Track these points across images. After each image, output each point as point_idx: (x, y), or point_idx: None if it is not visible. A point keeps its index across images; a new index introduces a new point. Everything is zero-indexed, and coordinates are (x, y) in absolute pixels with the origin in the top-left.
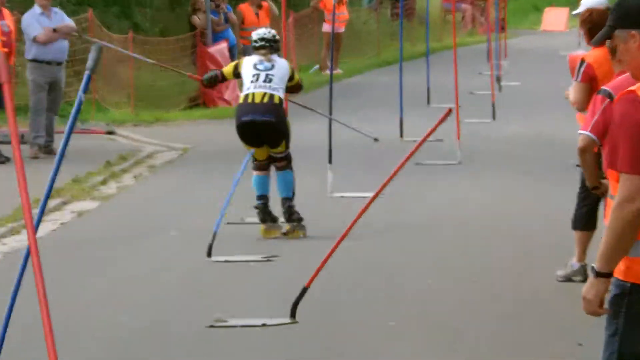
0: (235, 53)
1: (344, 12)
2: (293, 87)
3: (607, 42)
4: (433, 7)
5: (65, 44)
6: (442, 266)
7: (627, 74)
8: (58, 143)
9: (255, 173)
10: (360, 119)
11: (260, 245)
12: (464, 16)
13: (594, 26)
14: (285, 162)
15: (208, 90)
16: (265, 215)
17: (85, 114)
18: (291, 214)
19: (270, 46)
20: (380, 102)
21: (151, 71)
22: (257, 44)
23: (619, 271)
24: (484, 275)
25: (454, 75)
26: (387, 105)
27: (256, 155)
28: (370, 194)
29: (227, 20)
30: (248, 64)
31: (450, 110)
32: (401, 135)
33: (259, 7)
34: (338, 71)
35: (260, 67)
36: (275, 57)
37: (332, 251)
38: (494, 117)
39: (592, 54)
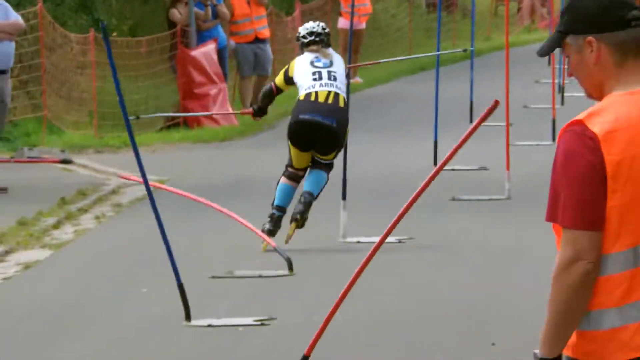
0: (226, 56)
1: (365, 4)
2: None
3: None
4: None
5: (9, 46)
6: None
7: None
8: (2, 176)
9: (283, 180)
10: (384, 143)
11: (254, 301)
12: (520, 7)
13: None
14: (325, 167)
15: (191, 106)
16: (275, 228)
17: (34, 138)
18: (303, 212)
19: (322, 40)
20: (410, 120)
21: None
22: (306, 39)
23: (567, 346)
24: None
25: (505, 84)
26: (418, 124)
27: (295, 162)
28: (394, 239)
29: (215, 14)
30: (302, 63)
31: (497, 102)
32: (435, 163)
33: None
34: (357, 80)
35: (318, 63)
36: (331, 51)
37: (334, 310)
38: (554, 139)
39: None
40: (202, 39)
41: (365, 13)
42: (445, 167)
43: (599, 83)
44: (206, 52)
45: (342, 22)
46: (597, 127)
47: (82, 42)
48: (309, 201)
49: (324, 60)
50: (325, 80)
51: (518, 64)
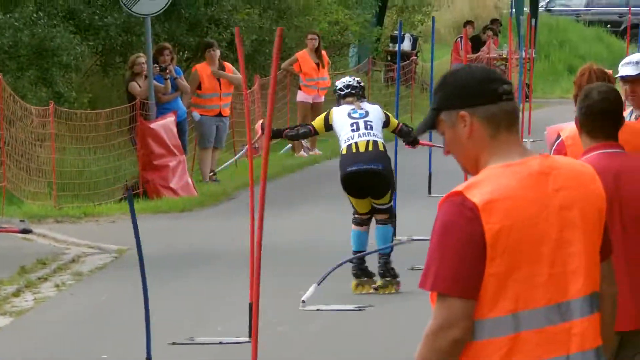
0: (186, 128)
1: (324, 77)
2: (401, 133)
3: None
4: (439, 70)
5: None
6: None
7: (598, 152)
8: None
9: (354, 227)
10: (340, 212)
11: None
12: None
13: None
14: (387, 216)
15: (151, 177)
16: (360, 272)
17: None
18: (387, 270)
19: (357, 92)
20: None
21: (78, 153)
22: (343, 92)
23: None
24: None
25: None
26: None
27: (358, 209)
28: (352, 307)
29: (175, 87)
30: (340, 114)
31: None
32: (394, 234)
33: (222, 69)
34: (315, 152)
35: (355, 115)
36: (365, 103)
37: None
38: None
39: (571, 129)
40: (161, 111)
41: (324, 87)
42: (405, 237)
43: (474, 157)
44: (165, 125)
45: (301, 96)
46: (476, 197)
47: (41, 115)
48: (385, 261)
49: (360, 112)
50: (362, 130)
51: None
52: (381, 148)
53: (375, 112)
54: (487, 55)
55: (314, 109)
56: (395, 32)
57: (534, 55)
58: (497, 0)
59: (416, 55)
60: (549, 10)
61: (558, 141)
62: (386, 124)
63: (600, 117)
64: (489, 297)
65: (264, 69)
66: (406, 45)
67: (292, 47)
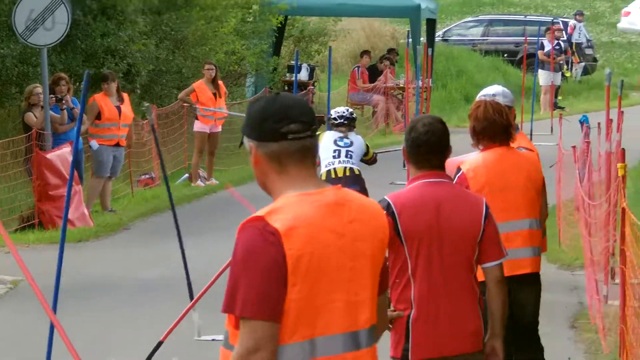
0: (82, 158)
1: (221, 108)
2: (368, 161)
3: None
4: (336, 100)
5: None
6: None
7: (422, 181)
8: None
9: None
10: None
11: None
12: (374, 111)
13: (479, 123)
14: None
15: (46, 208)
16: None
17: None
18: None
19: (349, 123)
20: None
21: None
22: (336, 121)
23: None
24: None
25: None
26: None
27: None
28: None
29: (72, 117)
30: (328, 139)
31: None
32: None
33: (120, 100)
34: (212, 182)
35: (340, 143)
36: (352, 134)
37: None
38: None
39: (471, 161)
40: (57, 141)
41: (222, 117)
42: None
43: (263, 183)
44: (61, 155)
45: (198, 125)
46: (278, 223)
47: None
48: None
49: (346, 141)
50: (343, 157)
51: (373, 166)
52: (356, 172)
53: (358, 144)
54: (384, 85)
55: (211, 139)
56: (293, 62)
57: (430, 85)
58: (394, 30)
59: (313, 85)
60: (445, 40)
61: (459, 174)
62: (365, 154)
63: (425, 149)
64: (290, 323)
65: (160, 99)
66: (303, 75)
67: (189, 77)
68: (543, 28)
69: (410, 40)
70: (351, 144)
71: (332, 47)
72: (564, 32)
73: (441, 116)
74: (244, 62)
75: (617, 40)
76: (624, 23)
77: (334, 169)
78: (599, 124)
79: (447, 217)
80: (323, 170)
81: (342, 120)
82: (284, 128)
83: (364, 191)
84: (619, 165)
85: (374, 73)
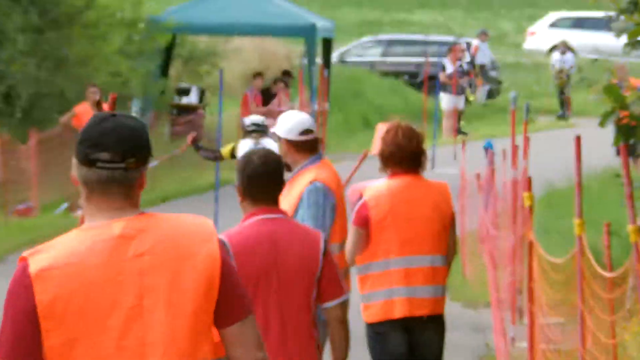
0: None
1: None
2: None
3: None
4: (227, 124)
5: None
6: None
7: (258, 218)
8: None
9: None
10: None
11: None
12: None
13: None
14: None
15: None
16: None
17: None
18: None
19: (262, 130)
20: None
21: None
22: (250, 128)
23: None
24: None
25: None
26: None
27: None
28: None
29: None
30: (244, 147)
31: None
32: None
33: None
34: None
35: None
36: (264, 139)
37: None
38: None
39: (374, 188)
40: None
41: None
42: None
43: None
44: None
45: None
46: (35, 264)
47: None
48: None
49: (259, 147)
50: None
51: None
52: None
53: (271, 147)
54: (279, 109)
55: None
56: (181, 83)
57: (327, 108)
58: (289, 50)
59: (203, 108)
60: (343, 61)
61: (360, 202)
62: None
63: (262, 182)
64: None
65: (42, 123)
66: (192, 97)
67: (71, 100)
68: (445, 49)
69: (305, 61)
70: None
71: (223, 68)
72: (467, 52)
73: (339, 141)
74: (129, 84)
75: (522, 62)
76: (529, 43)
77: None
78: (504, 150)
79: (283, 255)
80: None
81: (254, 128)
82: (92, 155)
83: None
84: (525, 194)
85: (267, 96)
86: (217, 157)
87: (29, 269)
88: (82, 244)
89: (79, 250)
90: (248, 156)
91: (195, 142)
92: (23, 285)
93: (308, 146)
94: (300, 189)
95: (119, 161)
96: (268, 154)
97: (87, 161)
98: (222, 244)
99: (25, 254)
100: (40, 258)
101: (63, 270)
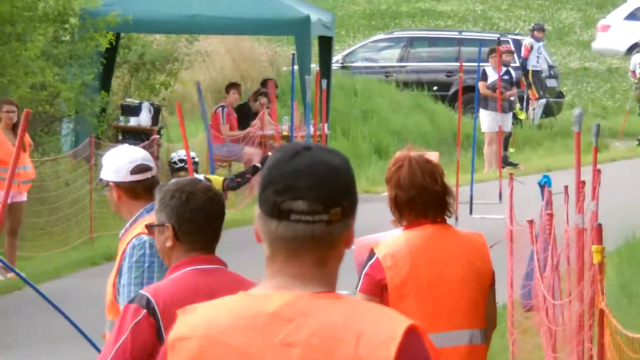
0: None
1: (26, 166)
2: (227, 188)
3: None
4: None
5: None
6: None
7: (193, 268)
8: None
9: None
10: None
11: None
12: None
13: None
14: None
15: None
16: None
17: None
18: None
19: (185, 168)
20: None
21: None
22: (176, 165)
23: None
24: None
25: None
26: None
27: None
28: None
29: None
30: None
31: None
32: None
33: None
34: (8, 276)
35: None
36: (199, 177)
37: None
38: None
39: (389, 243)
40: None
41: (27, 180)
42: None
43: None
44: None
45: None
46: (176, 330)
47: None
48: None
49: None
50: None
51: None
52: None
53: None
54: (261, 132)
55: (13, 211)
56: (129, 99)
57: (326, 132)
58: (273, 53)
59: (159, 132)
60: (346, 67)
61: (372, 260)
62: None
63: (205, 223)
64: None
65: None
66: (144, 118)
67: None
68: (485, 49)
69: (295, 67)
70: None
71: (186, 78)
72: (515, 55)
73: None
74: (58, 100)
75: (591, 67)
76: (601, 42)
77: None
78: (566, 187)
79: None
80: None
81: (182, 165)
82: (285, 204)
83: None
84: (594, 248)
85: (245, 115)
86: None
87: (171, 333)
88: (232, 314)
89: (225, 322)
90: (191, 190)
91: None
92: (162, 352)
93: (144, 188)
94: (124, 247)
95: (320, 212)
96: (213, 188)
97: (278, 212)
98: (405, 348)
99: (181, 310)
100: (183, 322)
101: (198, 342)
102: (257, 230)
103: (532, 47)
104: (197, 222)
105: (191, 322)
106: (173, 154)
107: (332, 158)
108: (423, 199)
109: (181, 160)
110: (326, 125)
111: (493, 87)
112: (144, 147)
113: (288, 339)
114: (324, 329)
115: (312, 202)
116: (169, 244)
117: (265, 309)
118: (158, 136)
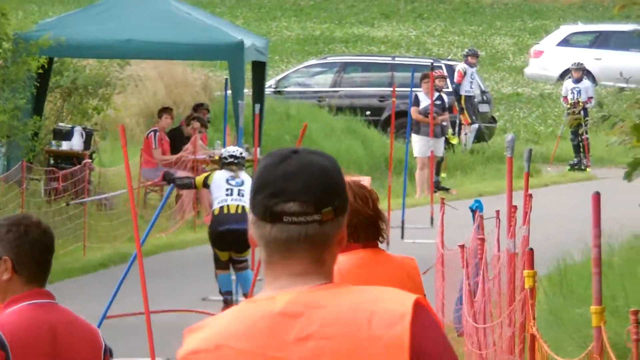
0: None
1: None
2: None
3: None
4: (124, 177)
5: None
6: None
7: (29, 303)
8: None
9: (220, 272)
10: None
11: None
12: (179, 195)
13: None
14: (245, 264)
15: None
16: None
17: None
18: None
19: (239, 163)
20: None
21: None
22: (226, 160)
23: None
24: None
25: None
26: None
27: (221, 257)
28: None
29: None
30: (220, 178)
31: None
32: None
33: None
34: None
35: (232, 182)
36: (242, 173)
37: None
38: None
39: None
40: None
41: None
42: None
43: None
44: None
45: None
46: (187, 345)
47: None
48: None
49: (237, 180)
50: (235, 196)
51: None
52: (247, 210)
53: (248, 183)
54: (194, 157)
55: None
56: (61, 124)
57: (259, 156)
58: (206, 78)
59: (91, 157)
60: (279, 92)
61: None
62: None
63: (40, 255)
64: None
65: None
66: (77, 142)
67: None
68: (418, 75)
69: (228, 92)
70: (242, 183)
71: (119, 103)
72: (448, 80)
73: None
74: None
75: (524, 92)
76: (533, 67)
77: (227, 205)
78: (497, 212)
79: (64, 353)
80: (216, 206)
81: (232, 160)
82: (277, 206)
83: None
84: (525, 272)
85: (177, 139)
86: (189, 185)
87: (179, 352)
88: (240, 321)
89: (235, 330)
90: (27, 223)
91: (167, 176)
92: None
93: None
94: None
95: (312, 212)
96: (43, 222)
97: (270, 215)
98: (416, 321)
99: (187, 330)
100: (193, 338)
101: (212, 354)
102: (252, 235)
103: (465, 73)
104: (35, 254)
105: (201, 336)
106: (223, 150)
107: (320, 160)
108: (355, 222)
109: (231, 156)
110: (259, 149)
111: (425, 112)
112: (76, 171)
113: (301, 334)
114: (334, 317)
115: (303, 204)
116: (6, 276)
117: (273, 309)
118: (90, 160)
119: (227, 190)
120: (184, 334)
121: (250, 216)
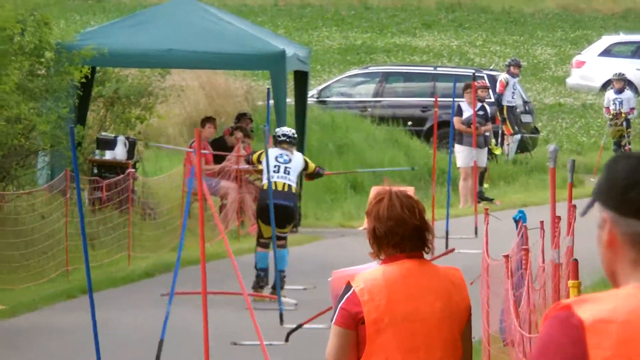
0: None
1: None
2: (312, 175)
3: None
4: (166, 187)
5: None
6: None
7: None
8: None
9: (260, 250)
10: None
11: None
12: (223, 204)
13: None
14: (284, 242)
15: None
16: (262, 284)
17: None
18: (281, 283)
19: (291, 142)
20: (63, 358)
21: None
22: (280, 139)
23: None
24: None
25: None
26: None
27: (264, 233)
28: None
29: None
30: (270, 156)
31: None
32: None
33: None
34: None
35: (280, 159)
36: (294, 151)
37: None
38: None
39: (366, 277)
40: None
41: None
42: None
43: (610, 270)
44: None
45: None
46: (586, 313)
47: None
48: (283, 275)
49: (286, 158)
50: (281, 173)
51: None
52: (294, 190)
53: (296, 161)
54: (237, 166)
55: None
56: (104, 133)
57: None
58: (248, 87)
59: (134, 166)
60: (322, 102)
61: (348, 294)
62: (305, 167)
63: None
64: None
65: None
66: (120, 152)
67: None
68: (461, 85)
69: (271, 102)
70: (289, 161)
71: (162, 113)
72: (490, 90)
73: (317, 212)
74: (33, 133)
75: (566, 102)
76: (575, 78)
77: (275, 182)
78: (541, 222)
79: None
80: (264, 181)
81: (284, 139)
82: None
83: (296, 209)
84: (570, 283)
85: (221, 148)
86: (250, 162)
87: (575, 318)
88: (631, 304)
89: (635, 308)
90: None
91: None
92: (567, 338)
93: None
94: None
95: None
96: None
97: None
98: None
99: (568, 301)
100: (589, 307)
101: (622, 327)
102: (612, 236)
103: (507, 83)
104: None
105: (606, 308)
106: (277, 129)
107: None
108: (401, 231)
109: (284, 134)
110: None
111: (468, 123)
112: (120, 181)
113: None
114: None
115: None
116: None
117: None
118: (133, 170)
119: (275, 167)
120: (564, 305)
121: (605, 215)
